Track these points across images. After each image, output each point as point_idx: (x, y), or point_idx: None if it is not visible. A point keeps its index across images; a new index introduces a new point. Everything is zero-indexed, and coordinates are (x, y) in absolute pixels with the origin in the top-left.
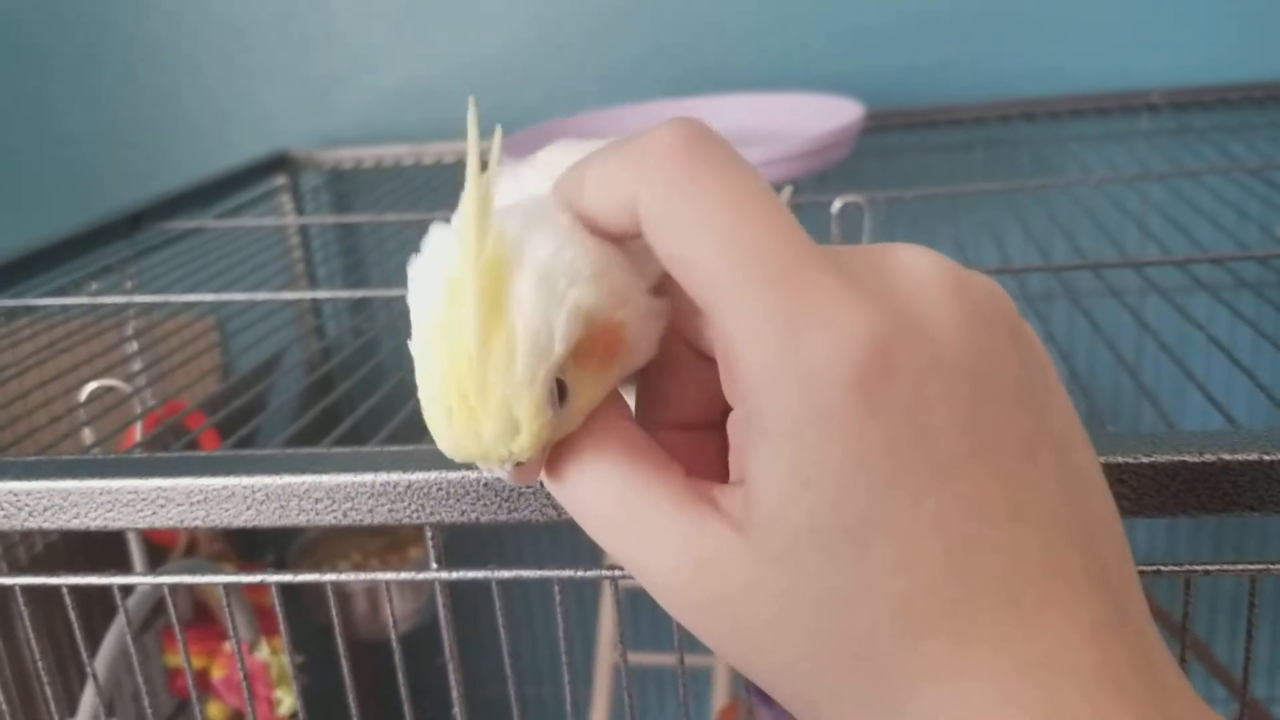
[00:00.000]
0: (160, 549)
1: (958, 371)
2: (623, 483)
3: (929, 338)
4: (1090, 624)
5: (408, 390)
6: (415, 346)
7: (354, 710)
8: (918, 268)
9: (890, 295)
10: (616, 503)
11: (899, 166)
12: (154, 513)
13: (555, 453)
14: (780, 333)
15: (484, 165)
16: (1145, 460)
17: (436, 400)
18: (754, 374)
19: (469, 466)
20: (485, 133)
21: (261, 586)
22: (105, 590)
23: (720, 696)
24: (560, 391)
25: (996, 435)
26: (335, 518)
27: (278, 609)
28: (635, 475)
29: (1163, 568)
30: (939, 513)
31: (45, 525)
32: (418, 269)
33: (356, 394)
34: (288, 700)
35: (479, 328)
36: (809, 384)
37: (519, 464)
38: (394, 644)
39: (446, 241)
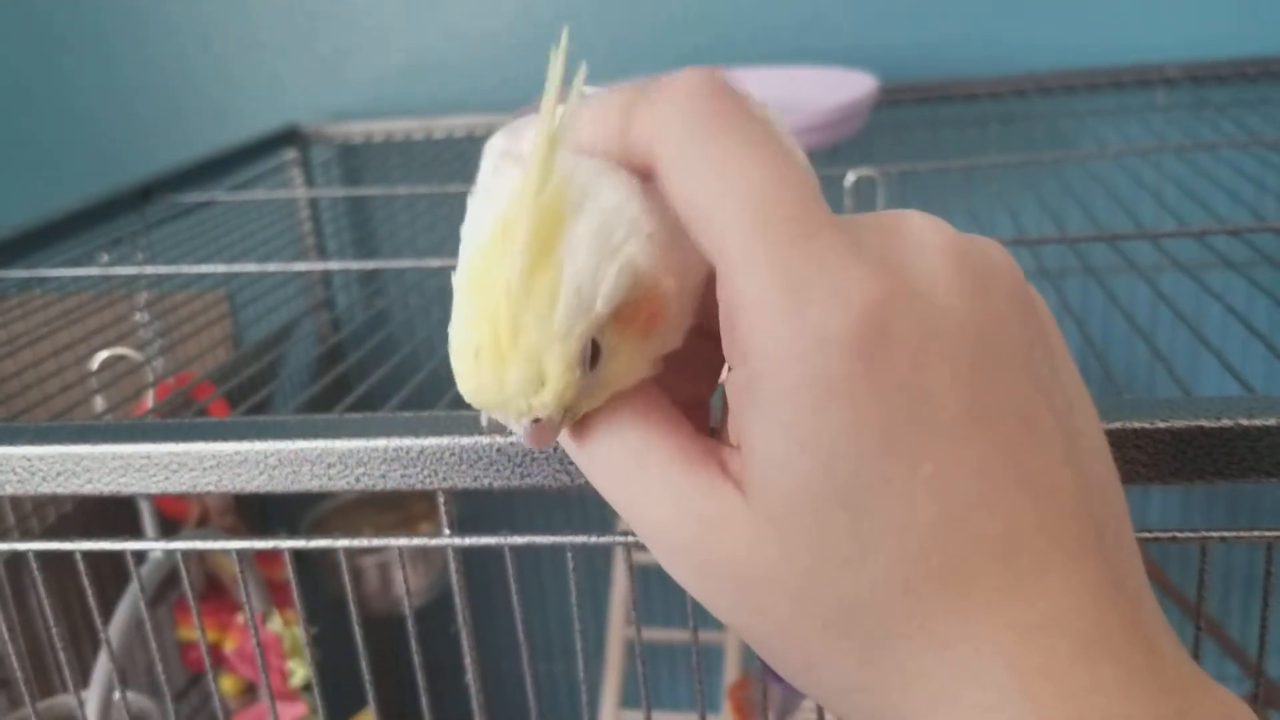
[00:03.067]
0: (172, 522)
1: (957, 338)
2: (634, 433)
3: (928, 304)
4: (1085, 589)
5: (418, 361)
6: (457, 279)
7: (366, 674)
8: (920, 235)
9: (892, 262)
10: (626, 452)
11: (913, 141)
12: (166, 478)
13: None
14: (785, 294)
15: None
16: (1162, 425)
17: (467, 336)
18: (756, 334)
19: (481, 431)
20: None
21: (274, 561)
22: (118, 563)
23: (731, 671)
24: (594, 355)
25: (995, 401)
26: (348, 483)
27: (291, 577)
28: (647, 426)
29: (1178, 534)
30: (936, 477)
31: (58, 490)
32: (476, 198)
33: (366, 365)
34: (300, 671)
35: (525, 266)
36: (809, 348)
37: (536, 421)
38: (407, 611)
39: (510, 175)
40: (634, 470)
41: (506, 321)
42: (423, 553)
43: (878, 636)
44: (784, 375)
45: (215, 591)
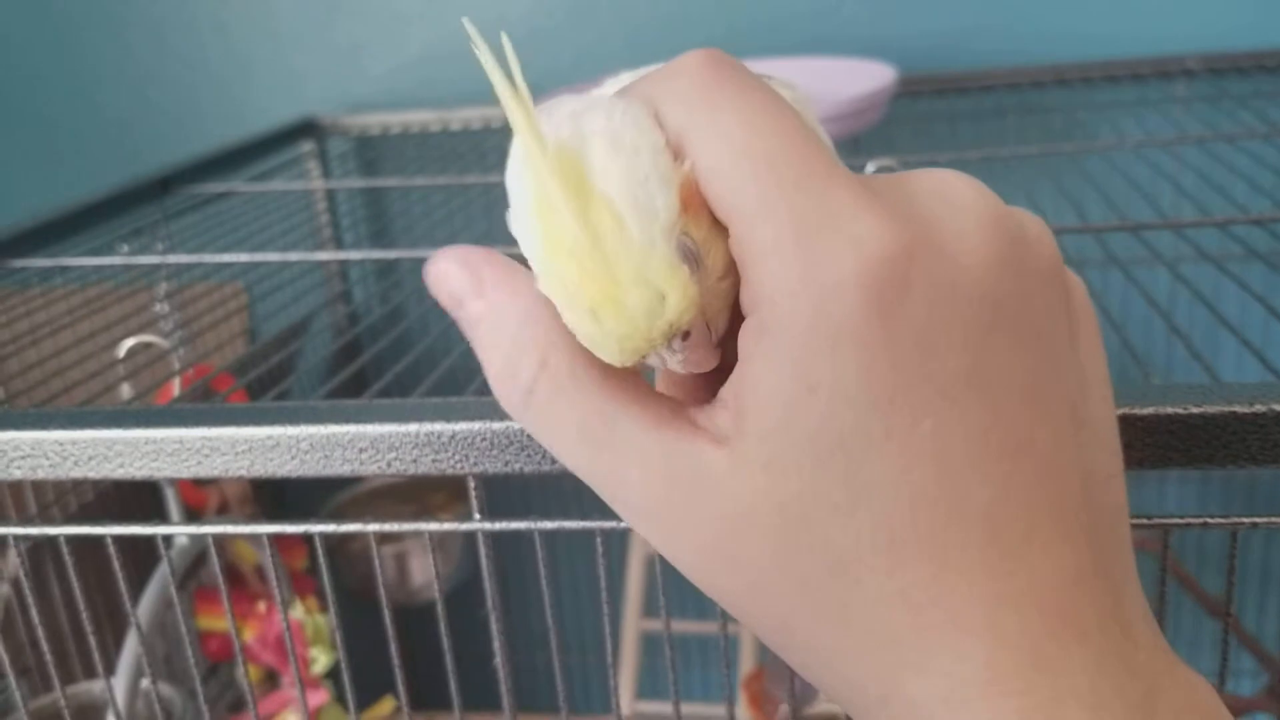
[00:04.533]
0: (192, 512)
1: (976, 299)
2: (599, 396)
3: (951, 260)
4: (1067, 569)
5: (435, 355)
6: (541, 282)
7: (395, 660)
8: (959, 196)
9: (918, 212)
10: (592, 416)
11: (931, 132)
12: (198, 462)
13: (526, 365)
14: (799, 237)
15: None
16: (1195, 411)
17: (578, 308)
18: (769, 278)
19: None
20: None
21: (293, 551)
22: (138, 553)
23: (747, 663)
24: (693, 258)
25: (1005, 370)
26: (379, 467)
27: (321, 560)
28: (612, 388)
29: (1209, 520)
30: (936, 436)
31: (90, 475)
32: (513, 216)
33: (384, 358)
34: (323, 659)
35: (576, 214)
36: (824, 289)
37: (687, 337)
38: (437, 595)
39: (517, 170)
40: (602, 434)
41: (597, 272)
42: (440, 544)
43: (856, 595)
44: (797, 317)
45: (234, 582)
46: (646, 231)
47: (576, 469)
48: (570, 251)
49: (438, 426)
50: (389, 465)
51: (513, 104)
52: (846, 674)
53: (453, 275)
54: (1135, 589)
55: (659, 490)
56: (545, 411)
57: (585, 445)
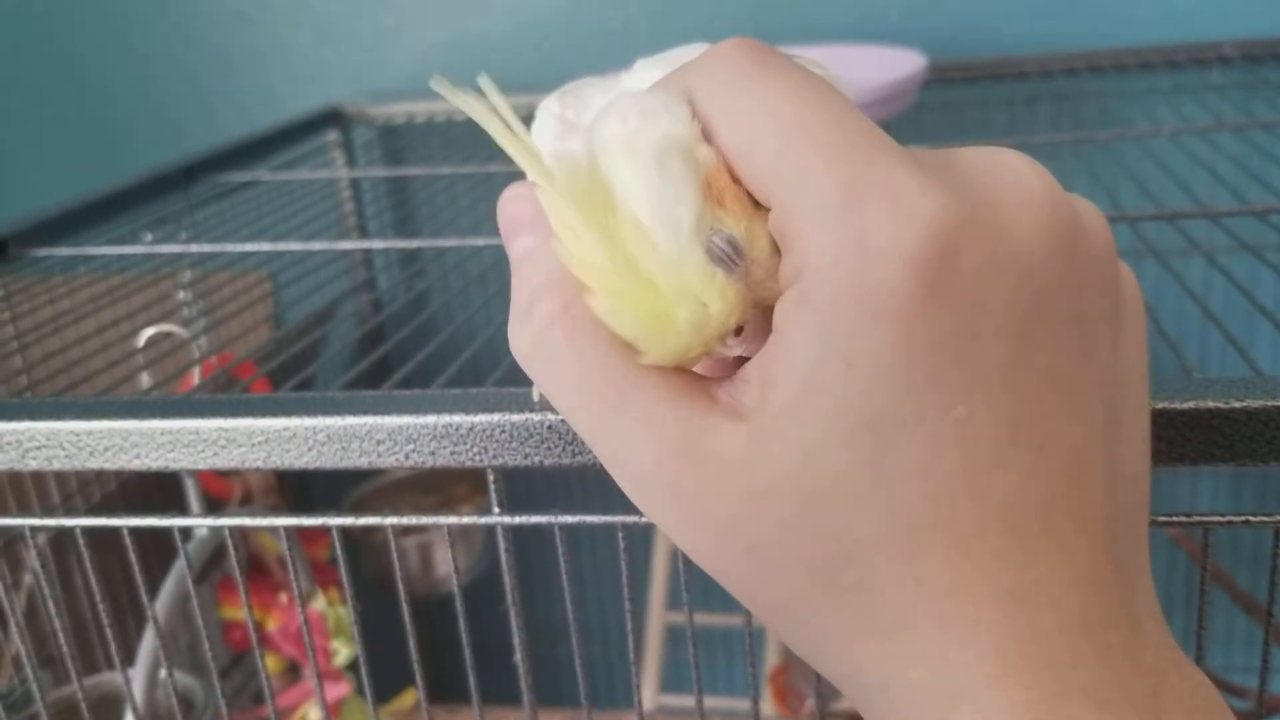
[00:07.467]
0: (215, 502)
1: (1023, 284)
2: (616, 354)
3: (1002, 241)
4: (1083, 566)
5: (458, 343)
6: (599, 308)
7: (414, 654)
8: (1012, 171)
9: (971, 188)
10: (606, 375)
11: (962, 120)
12: (215, 454)
13: (546, 307)
14: (845, 202)
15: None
16: (1238, 405)
17: (633, 329)
18: (811, 247)
19: (533, 408)
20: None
21: (317, 541)
22: (161, 543)
23: (772, 656)
24: (736, 247)
25: (1045, 360)
26: (397, 460)
27: (339, 555)
28: (630, 352)
29: (1251, 518)
30: (967, 423)
31: (106, 465)
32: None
33: (407, 346)
34: (344, 651)
35: (602, 240)
36: (869, 255)
37: (739, 333)
38: (455, 590)
39: (571, 145)
40: (613, 397)
41: (636, 292)
42: (463, 535)
43: (867, 580)
44: (839, 283)
45: (258, 571)
46: (674, 242)
47: (582, 429)
48: (611, 277)
49: (456, 418)
50: (407, 457)
51: (513, 148)
52: (848, 658)
53: (520, 203)
54: (1147, 586)
55: (671, 464)
56: (554, 361)
57: (592, 404)
